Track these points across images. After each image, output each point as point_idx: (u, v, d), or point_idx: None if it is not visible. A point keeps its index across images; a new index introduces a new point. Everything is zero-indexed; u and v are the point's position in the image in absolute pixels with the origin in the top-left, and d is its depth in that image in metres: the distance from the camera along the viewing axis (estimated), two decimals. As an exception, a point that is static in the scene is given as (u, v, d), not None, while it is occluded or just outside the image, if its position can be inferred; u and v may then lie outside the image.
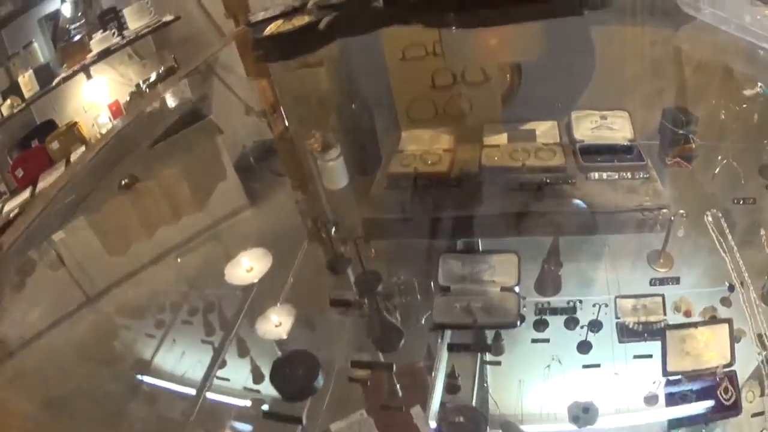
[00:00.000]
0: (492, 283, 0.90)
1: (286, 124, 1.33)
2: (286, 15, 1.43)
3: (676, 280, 0.85)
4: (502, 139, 1.05)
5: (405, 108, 1.22)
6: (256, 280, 0.95)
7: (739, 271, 0.82)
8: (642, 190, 0.90)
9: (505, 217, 0.91)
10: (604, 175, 0.95)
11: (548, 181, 0.94)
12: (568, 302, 0.88)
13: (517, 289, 0.92)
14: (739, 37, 1.02)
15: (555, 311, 0.92)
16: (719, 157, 0.92)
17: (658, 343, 0.83)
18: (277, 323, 0.88)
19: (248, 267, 0.94)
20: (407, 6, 1.26)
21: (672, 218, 0.83)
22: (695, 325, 0.84)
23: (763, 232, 0.84)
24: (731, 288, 0.81)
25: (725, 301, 0.82)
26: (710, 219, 0.86)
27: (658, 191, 0.89)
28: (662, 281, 0.85)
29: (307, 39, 1.35)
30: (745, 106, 0.98)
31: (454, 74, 1.24)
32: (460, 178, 0.98)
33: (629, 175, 0.94)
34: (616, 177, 0.94)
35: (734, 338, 0.82)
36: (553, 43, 1.24)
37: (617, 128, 1.02)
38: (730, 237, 0.84)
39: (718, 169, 0.91)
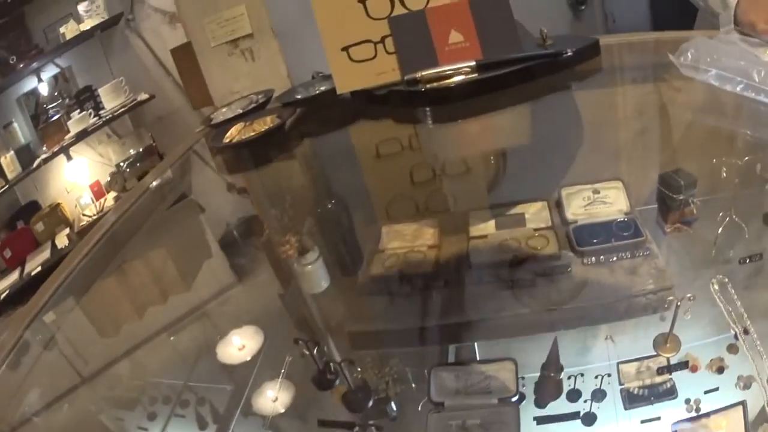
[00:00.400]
0: (489, 394, 0.78)
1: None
2: (247, 115, 1.35)
3: (684, 365, 0.73)
4: (489, 227, 0.94)
5: (384, 206, 1.12)
6: (248, 358, 0.88)
7: (741, 318, 0.73)
8: (643, 270, 0.80)
9: (499, 319, 0.82)
10: (602, 258, 0.84)
11: (542, 273, 0.83)
12: (569, 377, 0.76)
13: (514, 399, 0.77)
14: (747, 96, 0.95)
15: (557, 418, 0.77)
16: (720, 214, 0.82)
17: (665, 405, 0.74)
18: (273, 398, 0.81)
19: (240, 345, 0.89)
20: (376, 100, 1.18)
21: (678, 303, 0.72)
22: (707, 414, 0.70)
23: None
24: (737, 336, 0.72)
25: (732, 348, 0.73)
26: (716, 287, 0.75)
27: (660, 269, 0.79)
28: (670, 368, 0.74)
29: (272, 144, 1.27)
30: (747, 158, 0.89)
31: (433, 168, 1.16)
32: (447, 280, 0.88)
33: (628, 254, 0.83)
34: (615, 259, 0.83)
35: (747, 418, 0.70)
36: (537, 119, 1.19)
37: (611, 201, 0.92)
38: (738, 304, 0.73)
39: (720, 229, 0.81)
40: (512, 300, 0.81)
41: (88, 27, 3.59)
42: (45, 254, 3.55)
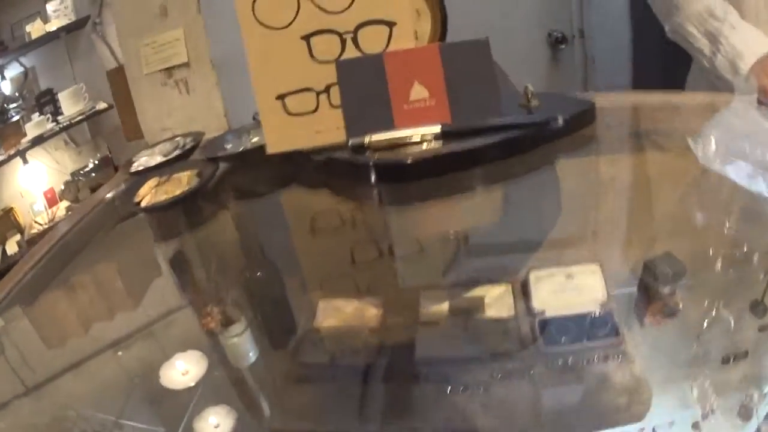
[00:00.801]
0: None
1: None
2: (167, 165, 1.12)
3: None
4: (442, 312, 0.77)
5: (321, 278, 0.94)
6: (192, 384, 0.77)
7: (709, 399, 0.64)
8: (617, 378, 0.66)
9: (448, 429, 0.66)
10: (570, 361, 0.69)
11: (499, 376, 0.67)
12: None
13: None
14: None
15: None
16: (706, 303, 0.71)
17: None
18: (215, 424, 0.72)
19: (184, 370, 0.78)
20: (314, 166, 0.94)
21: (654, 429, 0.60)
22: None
23: (755, 394, 0.62)
24: (704, 415, 0.61)
25: (696, 426, 0.61)
26: (695, 393, 0.64)
27: (637, 377, 0.65)
28: None
29: (191, 208, 1.05)
30: (747, 249, 0.79)
31: (380, 248, 0.94)
32: (388, 374, 0.71)
33: (601, 356, 0.68)
34: (585, 362, 0.68)
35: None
36: (510, 192, 0.97)
37: (587, 289, 0.76)
38: (719, 413, 0.61)
39: (706, 323, 0.70)
40: (460, 407, 0.67)
41: (54, 28, 3.37)
42: None
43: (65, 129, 3.43)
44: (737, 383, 0.65)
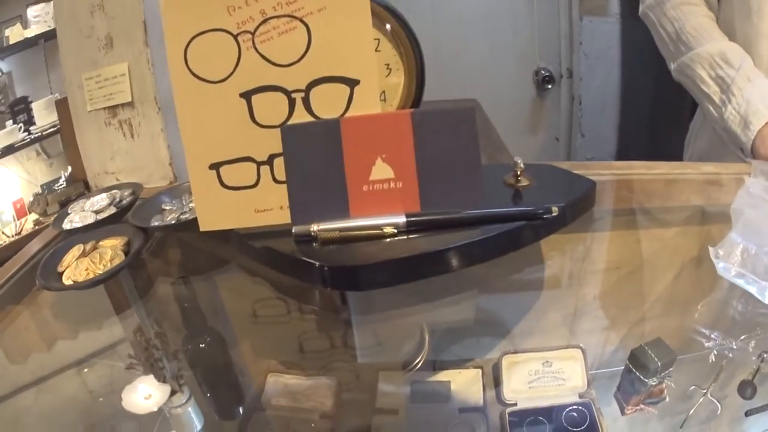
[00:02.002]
0: None
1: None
2: (98, 226, 0.98)
3: None
4: (401, 399, 0.69)
5: (269, 351, 0.85)
6: (155, 409, 0.71)
7: None
8: None
9: None
10: None
11: None
12: None
13: None
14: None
15: None
16: (692, 388, 0.66)
17: None
18: None
19: (146, 394, 0.72)
20: (250, 253, 0.75)
21: None
22: None
23: None
24: None
25: None
26: None
27: None
28: None
29: (122, 277, 0.92)
30: (743, 339, 0.73)
31: (332, 340, 0.83)
32: None
33: None
34: None
35: None
36: (488, 272, 0.84)
37: (565, 377, 0.70)
38: None
39: (692, 411, 0.64)
40: None
41: (32, 34, 3.18)
42: None
43: (37, 140, 3.24)
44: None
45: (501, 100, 2.56)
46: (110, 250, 0.86)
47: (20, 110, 3.35)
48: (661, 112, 1.97)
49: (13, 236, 3.18)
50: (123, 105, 1.18)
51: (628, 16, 2.14)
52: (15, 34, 3.23)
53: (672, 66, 1.31)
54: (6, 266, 1.07)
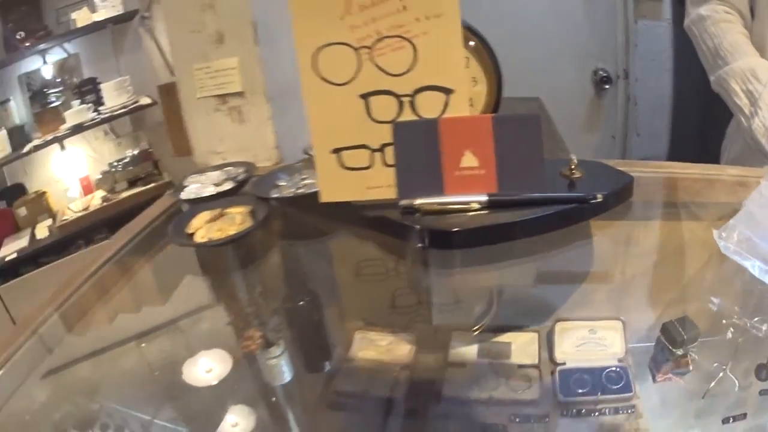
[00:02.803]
0: None
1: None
2: (218, 198, 1.19)
3: None
4: (471, 353, 0.84)
5: (360, 310, 1.03)
6: (215, 382, 0.84)
7: None
8: (625, 428, 0.73)
9: None
10: (583, 411, 0.76)
11: (517, 420, 0.75)
12: None
13: None
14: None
15: None
16: (714, 365, 0.77)
17: None
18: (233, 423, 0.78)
19: (207, 368, 0.85)
20: (363, 221, 1.00)
21: None
22: None
23: None
24: None
25: None
26: None
27: (642, 431, 0.72)
28: None
29: (246, 244, 1.12)
30: (757, 320, 0.83)
31: (419, 297, 1.02)
32: (415, 408, 0.80)
33: (613, 409, 0.75)
34: (597, 414, 0.75)
35: None
36: (544, 254, 1.02)
37: (607, 344, 0.83)
38: None
39: (713, 383, 0.76)
40: None
41: (101, 18, 3.44)
42: (23, 242, 3.41)
43: (107, 120, 3.49)
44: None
45: (561, 99, 2.72)
46: (239, 215, 1.10)
47: (88, 91, 3.58)
48: (710, 114, 2.12)
49: (79, 211, 3.44)
50: (232, 94, 1.42)
51: (679, 21, 2.32)
52: (82, 17, 3.47)
53: (711, 78, 1.49)
54: (127, 228, 1.31)
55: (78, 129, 3.45)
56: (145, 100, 3.48)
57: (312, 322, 1.05)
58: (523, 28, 2.73)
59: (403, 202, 0.92)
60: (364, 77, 0.95)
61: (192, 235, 1.11)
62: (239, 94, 1.41)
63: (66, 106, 3.62)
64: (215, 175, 1.30)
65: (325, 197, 0.99)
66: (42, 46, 3.51)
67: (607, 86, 2.83)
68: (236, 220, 1.09)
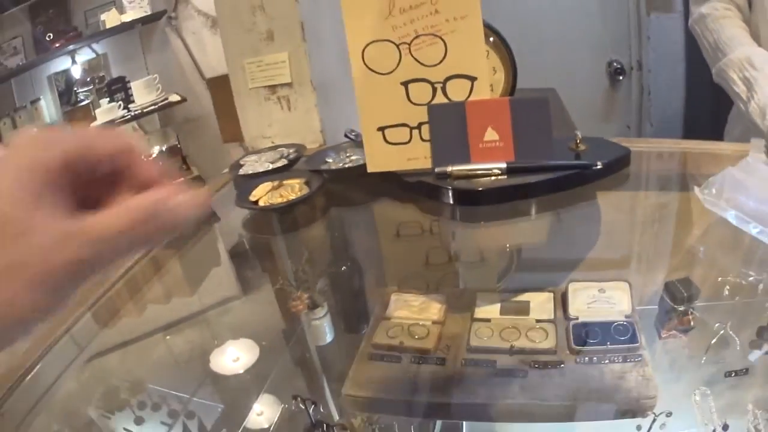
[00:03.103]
0: None
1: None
2: (275, 173, 1.37)
3: None
4: (494, 311, 0.95)
5: (396, 275, 1.16)
6: (241, 371, 0.92)
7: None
8: (632, 376, 0.80)
9: (487, 404, 0.84)
10: (594, 359, 0.85)
11: (536, 366, 0.85)
12: None
13: None
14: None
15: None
16: (716, 325, 0.84)
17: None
18: (258, 412, 0.86)
19: (235, 357, 0.92)
20: (404, 185, 1.18)
21: (656, 417, 0.75)
22: None
23: (750, 407, 0.76)
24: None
25: None
26: (698, 398, 0.78)
27: (648, 378, 0.80)
28: None
29: (300, 211, 1.31)
30: (752, 278, 0.92)
31: (449, 253, 1.19)
32: (445, 358, 0.88)
33: (621, 358, 0.84)
34: (607, 361, 0.84)
35: None
36: (557, 218, 1.20)
37: (615, 302, 0.92)
38: (716, 417, 0.75)
39: (714, 340, 0.83)
40: (503, 387, 0.83)
41: (130, 19, 3.65)
42: None
43: (137, 117, 3.71)
44: (747, 404, 0.75)
45: (577, 90, 2.90)
46: (297, 185, 1.32)
47: (117, 89, 3.80)
48: (722, 104, 2.26)
49: None
50: (282, 85, 1.67)
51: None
52: (111, 18, 3.69)
53: (713, 71, 1.61)
54: None
55: (109, 125, 3.61)
56: (174, 98, 3.70)
57: (353, 286, 1.17)
58: (540, 24, 2.93)
59: (438, 169, 1.15)
60: (404, 68, 1.19)
61: (255, 202, 1.32)
62: (288, 85, 1.65)
63: (95, 104, 3.85)
64: (269, 154, 1.53)
65: (372, 167, 1.24)
66: (71, 47, 3.74)
67: (621, 77, 3.01)
68: (295, 188, 1.31)
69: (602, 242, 1.14)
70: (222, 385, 0.95)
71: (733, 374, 0.79)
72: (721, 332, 0.83)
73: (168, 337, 1.13)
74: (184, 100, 3.54)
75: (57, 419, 0.95)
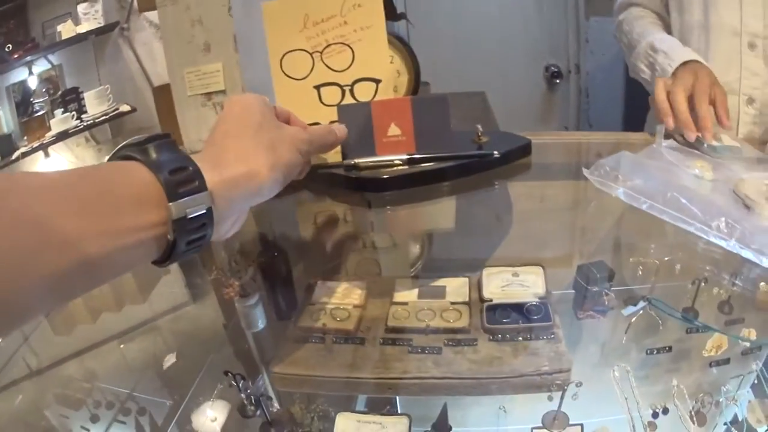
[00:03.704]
0: None
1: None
2: None
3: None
4: (412, 295, 1.04)
5: (320, 265, 1.24)
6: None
7: (636, 405, 0.81)
8: (544, 352, 0.85)
9: (405, 379, 0.90)
10: (507, 336, 0.90)
11: (450, 343, 0.91)
12: None
13: None
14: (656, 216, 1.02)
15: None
16: (638, 303, 0.88)
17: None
18: (212, 418, 0.91)
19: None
20: (318, 178, 1.30)
21: (566, 387, 0.80)
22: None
23: (675, 381, 0.80)
24: (654, 415, 0.78)
25: (651, 425, 0.77)
26: (617, 374, 0.82)
27: (561, 353, 0.85)
28: None
29: None
30: (667, 259, 0.98)
31: (365, 242, 1.29)
32: (365, 338, 0.97)
33: (534, 335, 0.89)
34: (520, 339, 0.89)
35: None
36: (467, 206, 1.30)
37: (529, 285, 0.98)
38: (636, 392, 0.80)
39: (634, 319, 0.86)
40: (417, 364, 0.89)
41: (84, 30, 3.74)
42: None
43: (89, 128, 3.80)
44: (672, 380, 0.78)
45: (514, 93, 3.05)
46: None
47: (71, 99, 3.89)
48: None
49: None
50: (216, 92, 1.84)
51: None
52: (67, 29, 3.79)
53: (629, 67, 1.74)
54: None
55: (62, 136, 3.76)
56: (125, 108, 3.81)
57: (281, 274, 1.25)
58: (477, 28, 3.07)
59: (346, 161, 1.31)
60: (317, 73, 1.37)
61: None
62: (222, 92, 1.83)
63: (49, 115, 3.92)
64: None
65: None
66: (29, 58, 3.81)
67: (558, 80, 3.19)
68: None
69: (515, 229, 1.24)
70: (171, 384, 1.00)
71: (655, 352, 0.83)
72: (640, 311, 0.86)
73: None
74: (134, 110, 3.65)
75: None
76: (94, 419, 0.95)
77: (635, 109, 2.91)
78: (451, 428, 0.83)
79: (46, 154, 3.80)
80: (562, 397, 0.80)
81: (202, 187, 0.63)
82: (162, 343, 1.16)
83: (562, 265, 1.06)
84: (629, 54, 1.74)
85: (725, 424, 0.76)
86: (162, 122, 2.10)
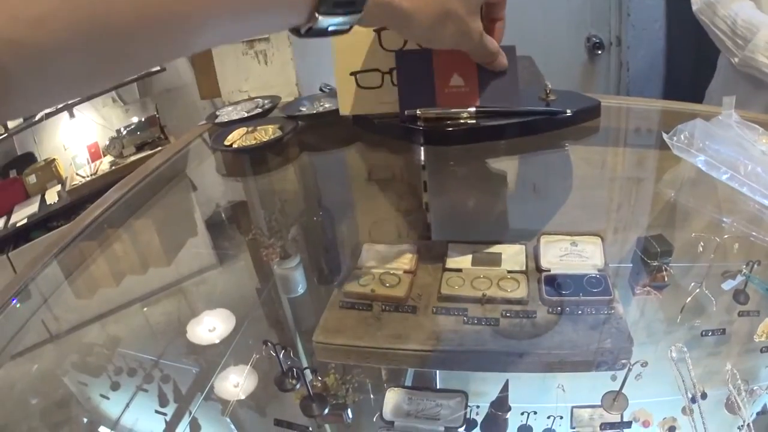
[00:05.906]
0: (436, 422, 0.79)
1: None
2: (250, 120, 1.41)
3: (628, 425, 0.75)
4: (465, 261, 0.96)
5: (368, 226, 1.17)
6: (217, 341, 0.92)
7: (693, 387, 0.78)
8: (605, 328, 0.81)
9: (459, 353, 0.84)
10: (567, 310, 0.85)
11: (508, 315, 0.86)
12: (522, 413, 0.78)
13: (460, 430, 0.78)
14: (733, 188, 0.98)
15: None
16: (692, 284, 0.85)
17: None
18: (235, 384, 0.87)
19: (211, 327, 0.93)
20: (375, 128, 1.23)
21: (631, 367, 0.76)
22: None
23: (729, 366, 0.77)
24: (693, 399, 0.75)
25: (685, 411, 0.75)
26: (674, 354, 0.79)
27: (622, 329, 0.80)
28: (621, 425, 0.76)
29: (270, 152, 1.35)
30: (726, 237, 0.92)
31: (421, 200, 1.21)
32: (416, 306, 0.90)
33: (594, 310, 0.84)
34: (579, 312, 0.85)
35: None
36: (528, 169, 1.24)
37: (587, 256, 0.93)
38: (692, 374, 0.77)
39: (689, 299, 0.83)
40: (474, 336, 0.83)
41: None
42: (33, 207, 3.61)
43: (115, 87, 3.69)
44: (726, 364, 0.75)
45: (554, 64, 2.91)
46: (270, 129, 1.38)
47: None
48: (699, 79, 2.31)
49: (88, 176, 3.67)
50: (259, 39, 1.73)
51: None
52: None
53: (735, 60, 1.63)
54: (170, 145, 1.53)
55: (87, 97, 3.59)
56: (154, 68, 3.71)
57: (325, 235, 1.19)
58: None
59: (408, 112, 1.21)
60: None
61: (230, 145, 1.38)
62: (265, 39, 1.71)
63: None
64: (245, 104, 1.60)
65: (345, 111, 1.30)
66: None
67: (599, 52, 3.09)
68: (268, 132, 1.37)
69: (574, 195, 1.17)
70: (197, 353, 0.96)
71: (710, 333, 0.80)
72: (697, 291, 0.84)
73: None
74: (163, 69, 3.55)
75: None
76: (115, 387, 0.92)
77: (674, 85, 2.83)
78: (510, 408, 0.78)
79: (71, 115, 3.73)
80: (625, 377, 0.76)
81: None
82: (187, 306, 1.11)
83: (620, 236, 1.01)
84: (732, 44, 1.65)
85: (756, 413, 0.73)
86: (198, 74, 1.99)
